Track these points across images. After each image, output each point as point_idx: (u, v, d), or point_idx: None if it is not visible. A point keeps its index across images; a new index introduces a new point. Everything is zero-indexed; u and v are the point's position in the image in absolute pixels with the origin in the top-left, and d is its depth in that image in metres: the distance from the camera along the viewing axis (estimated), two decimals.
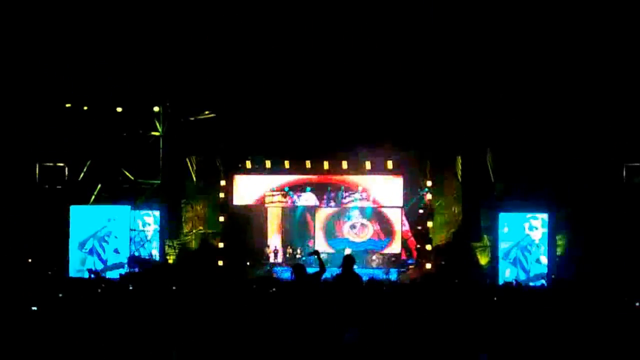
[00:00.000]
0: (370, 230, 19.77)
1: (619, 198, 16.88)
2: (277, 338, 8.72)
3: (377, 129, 17.96)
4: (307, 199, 19.83)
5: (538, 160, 17.11)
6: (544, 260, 16.94)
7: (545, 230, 17.02)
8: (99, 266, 17.20)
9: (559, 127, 17.03)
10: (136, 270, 16.54)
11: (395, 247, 19.57)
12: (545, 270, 16.84)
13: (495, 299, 12.01)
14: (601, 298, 11.59)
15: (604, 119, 16.78)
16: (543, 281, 16.40)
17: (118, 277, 15.58)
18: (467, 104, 17.50)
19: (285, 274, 14.76)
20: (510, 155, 17.39)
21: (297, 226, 20.12)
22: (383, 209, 19.64)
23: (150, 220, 18.27)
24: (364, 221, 19.78)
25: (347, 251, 17.08)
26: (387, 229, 19.70)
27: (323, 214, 19.97)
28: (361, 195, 19.57)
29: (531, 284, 16.02)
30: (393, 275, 17.96)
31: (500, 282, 16.09)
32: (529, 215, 17.07)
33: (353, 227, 19.87)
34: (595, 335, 8.60)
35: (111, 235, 17.55)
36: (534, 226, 17.01)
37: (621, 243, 16.29)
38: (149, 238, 18.09)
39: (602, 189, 16.95)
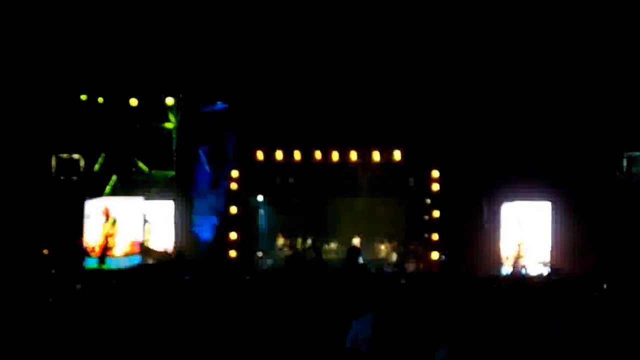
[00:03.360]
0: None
1: (620, 187, 16.98)
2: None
3: (385, 118, 18.12)
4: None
5: (538, 149, 17.25)
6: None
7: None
8: None
9: (559, 115, 17.16)
10: (150, 261, 16.87)
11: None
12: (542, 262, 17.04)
13: (496, 288, 12.21)
14: (602, 289, 11.78)
15: (605, 107, 16.88)
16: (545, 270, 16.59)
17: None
18: (467, 89, 17.73)
19: None
20: (510, 144, 17.46)
21: (308, 216, 20.34)
22: (389, 199, 19.77)
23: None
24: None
25: (355, 241, 17.30)
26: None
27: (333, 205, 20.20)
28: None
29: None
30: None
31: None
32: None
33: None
34: (597, 326, 8.79)
35: None
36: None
37: (622, 233, 16.42)
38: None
39: (602, 178, 17.03)
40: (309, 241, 19.63)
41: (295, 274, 10.41)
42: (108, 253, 17.56)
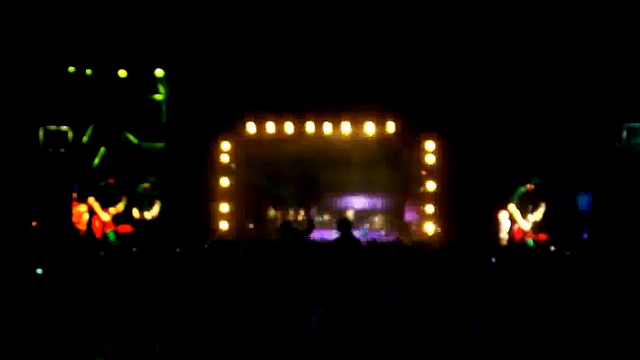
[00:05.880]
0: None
1: (619, 159, 16.84)
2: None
3: (379, 88, 17.95)
4: None
5: (537, 122, 17.05)
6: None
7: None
8: None
9: (556, 86, 16.95)
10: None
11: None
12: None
13: (493, 260, 12.07)
14: (602, 259, 11.67)
15: (603, 77, 16.62)
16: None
17: None
18: (463, 58, 17.44)
19: None
20: (508, 118, 17.26)
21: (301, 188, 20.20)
22: (383, 170, 19.60)
23: None
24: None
25: (348, 213, 17.12)
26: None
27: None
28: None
29: None
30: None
31: None
32: None
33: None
34: (596, 298, 8.64)
35: None
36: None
37: (621, 205, 16.29)
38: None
39: (601, 150, 16.89)
40: (302, 212, 19.53)
41: (287, 243, 10.27)
42: (106, 228, 17.39)
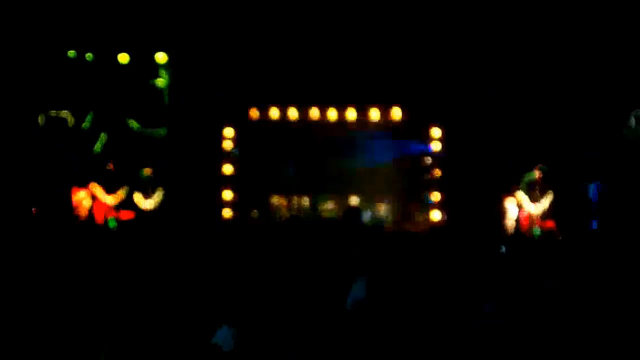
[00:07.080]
0: None
1: (627, 148, 16.71)
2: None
3: (384, 75, 17.83)
4: None
5: (540, 108, 16.89)
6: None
7: None
8: None
9: (562, 72, 16.84)
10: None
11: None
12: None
13: (503, 248, 11.97)
14: (612, 247, 11.58)
15: (611, 63, 16.49)
16: None
17: None
18: (469, 43, 17.36)
19: None
20: (510, 104, 17.12)
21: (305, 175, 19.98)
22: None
23: None
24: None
25: (353, 201, 16.87)
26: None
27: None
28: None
29: None
30: None
31: None
32: None
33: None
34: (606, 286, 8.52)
35: None
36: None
37: (630, 194, 16.18)
38: None
39: (609, 138, 16.75)
40: (305, 200, 19.32)
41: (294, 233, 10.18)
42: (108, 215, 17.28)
